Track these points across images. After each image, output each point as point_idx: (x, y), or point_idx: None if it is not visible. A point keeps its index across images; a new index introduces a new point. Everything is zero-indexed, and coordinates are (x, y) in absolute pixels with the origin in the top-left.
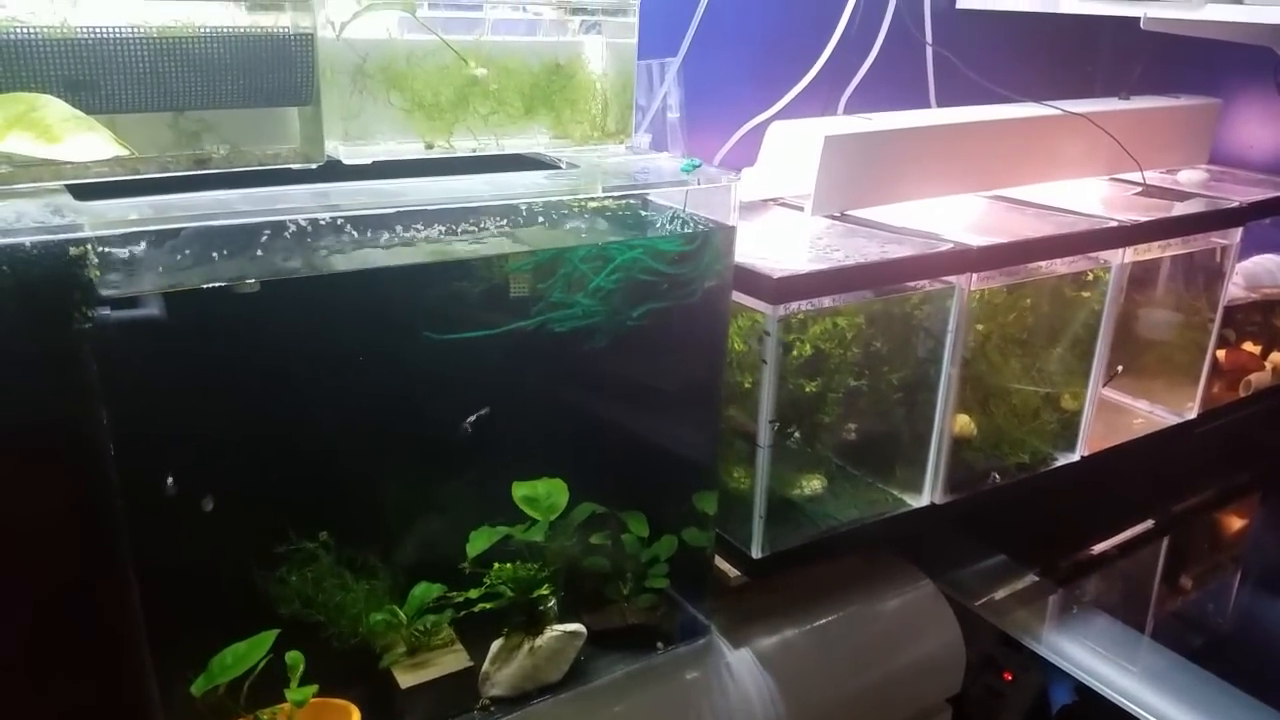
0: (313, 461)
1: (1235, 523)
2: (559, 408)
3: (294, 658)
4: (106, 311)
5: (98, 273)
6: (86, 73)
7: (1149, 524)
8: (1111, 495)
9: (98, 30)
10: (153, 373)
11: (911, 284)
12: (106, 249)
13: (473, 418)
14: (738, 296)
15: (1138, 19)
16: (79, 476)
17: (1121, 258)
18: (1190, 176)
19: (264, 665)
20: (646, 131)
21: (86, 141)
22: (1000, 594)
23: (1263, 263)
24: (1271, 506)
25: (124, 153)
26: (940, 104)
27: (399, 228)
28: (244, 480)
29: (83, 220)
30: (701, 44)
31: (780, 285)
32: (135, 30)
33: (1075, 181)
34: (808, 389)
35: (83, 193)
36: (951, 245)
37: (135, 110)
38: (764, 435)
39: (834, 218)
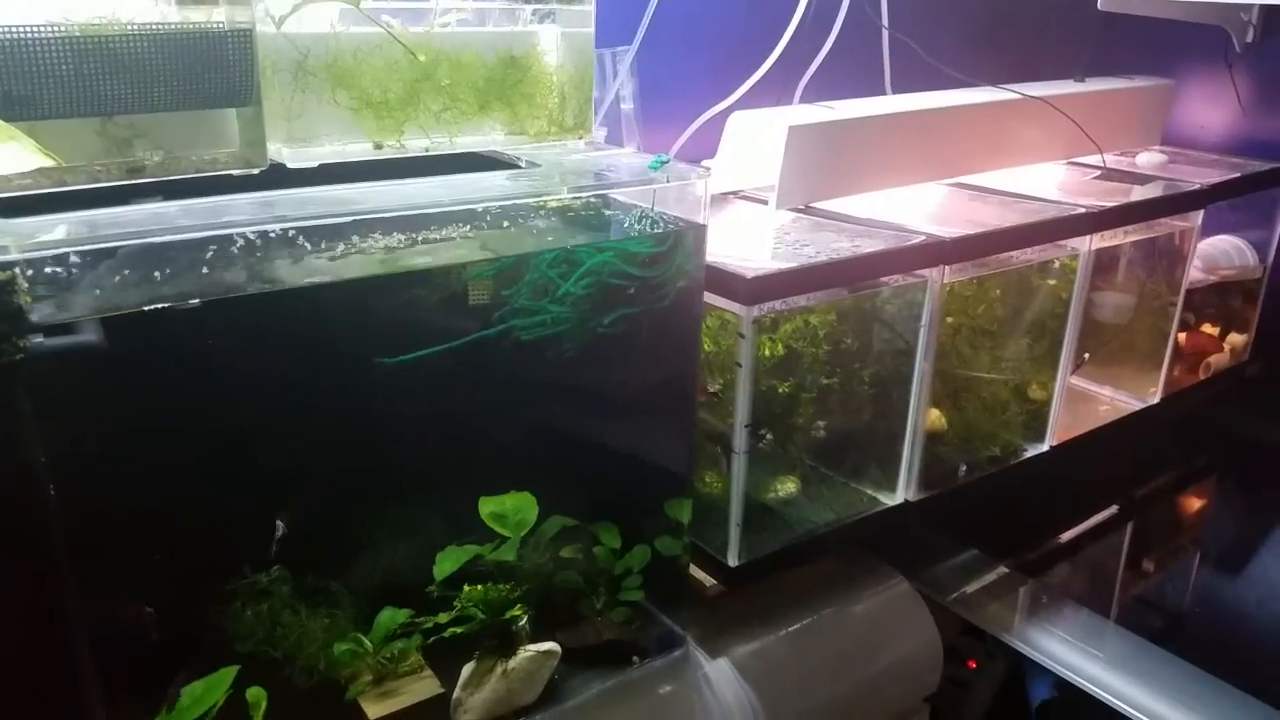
0: (268, 486)
1: (1197, 506)
2: (525, 419)
3: (255, 694)
4: (40, 339)
5: (28, 298)
6: (3, 77)
7: (1114, 510)
8: (1077, 483)
9: (13, 30)
10: (92, 403)
11: (884, 279)
12: (36, 271)
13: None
14: (709, 297)
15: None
16: (17, 515)
17: (1089, 244)
18: (1148, 159)
19: (224, 703)
20: (601, 125)
21: (6, 152)
22: (971, 588)
23: (1219, 244)
24: (1230, 488)
25: (49, 163)
26: (895, 90)
27: (355, 237)
28: (196, 512)
29: (7, 241)
30: (655, 32)
31: (755, 285)
32: (55, 29)
33: (1033, 167)
34: (780, 390)
35: (4, 209)
36: (925, 238)
37: (59, 116)
38: (740, 440)
39: (799, 211)
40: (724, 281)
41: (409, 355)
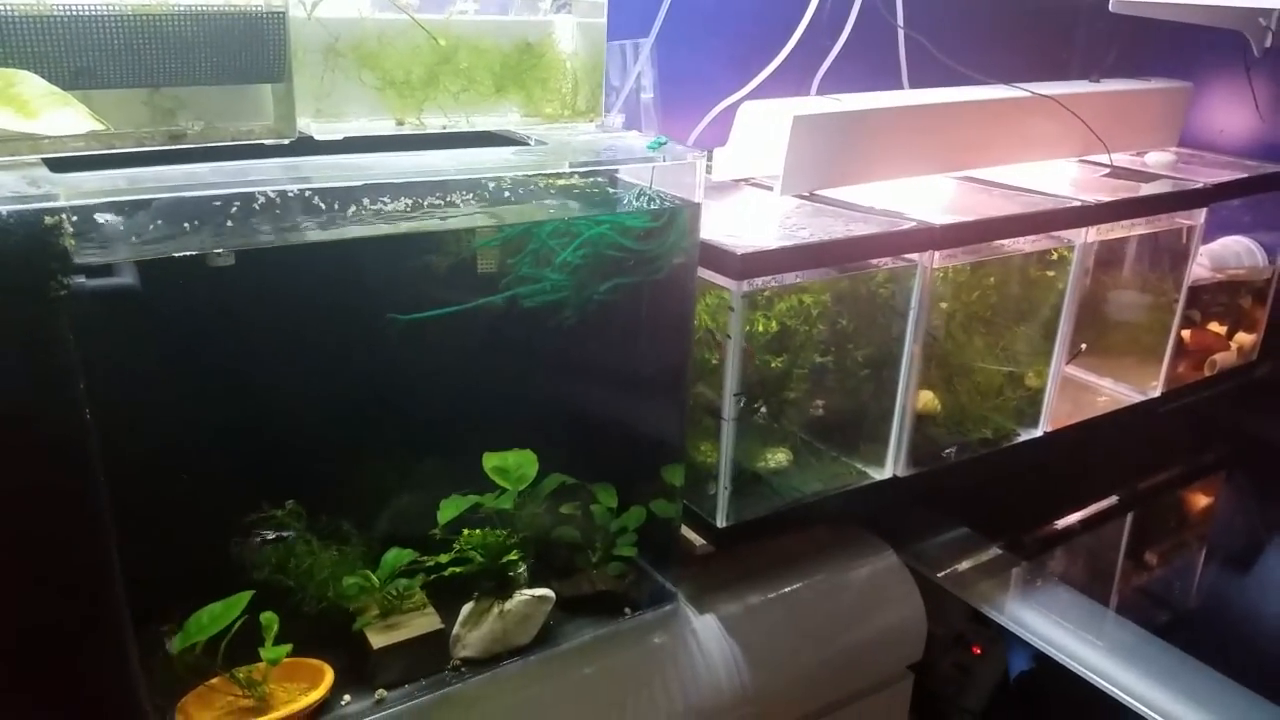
0: (289, 433)
1: (1198, 500)
2: (529, 382)
3: (268, 618)
4: (82, 279)
5: (73, 241)
6: (62, 49)
7: (1113, 500)
8: (1076, 472)
9: (74, 8)
10: (127, 341)
11: (875, 261)
12: (81, 219)
13: None
14: (704, 273)
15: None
16: (56, 443)
17: (1084, 237)
18: (1158, 159)
19: (241, 628)
20: (620, 112)
21: (63, 116)
22: (963, 566)
23: (1229, 244)
24: (1234, 485)
25: (100, 128)
26: (912, 86)
27: (366, 200)
28: (221, 451)
29: (58, 190)
30: (674, 24)
31: (744, 261)
32: (111, 8)
33: (1044, 163)
34: (774, 365)
35: (59, 166)
36: (914, 223)
37: (111, 86)
38: (728, 408)
39: (803, 198)
40: (718, 258)
41: (416, 315)
